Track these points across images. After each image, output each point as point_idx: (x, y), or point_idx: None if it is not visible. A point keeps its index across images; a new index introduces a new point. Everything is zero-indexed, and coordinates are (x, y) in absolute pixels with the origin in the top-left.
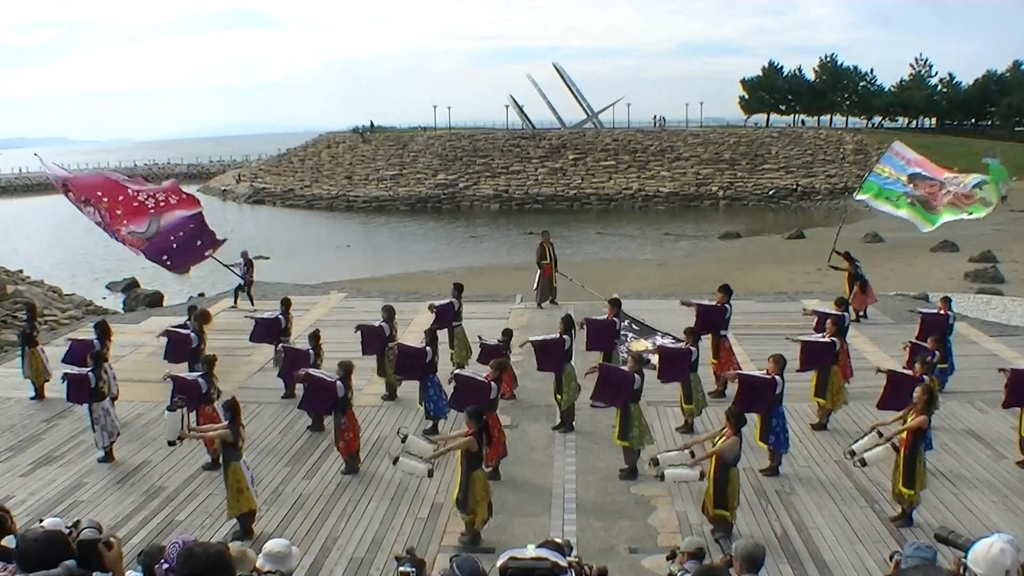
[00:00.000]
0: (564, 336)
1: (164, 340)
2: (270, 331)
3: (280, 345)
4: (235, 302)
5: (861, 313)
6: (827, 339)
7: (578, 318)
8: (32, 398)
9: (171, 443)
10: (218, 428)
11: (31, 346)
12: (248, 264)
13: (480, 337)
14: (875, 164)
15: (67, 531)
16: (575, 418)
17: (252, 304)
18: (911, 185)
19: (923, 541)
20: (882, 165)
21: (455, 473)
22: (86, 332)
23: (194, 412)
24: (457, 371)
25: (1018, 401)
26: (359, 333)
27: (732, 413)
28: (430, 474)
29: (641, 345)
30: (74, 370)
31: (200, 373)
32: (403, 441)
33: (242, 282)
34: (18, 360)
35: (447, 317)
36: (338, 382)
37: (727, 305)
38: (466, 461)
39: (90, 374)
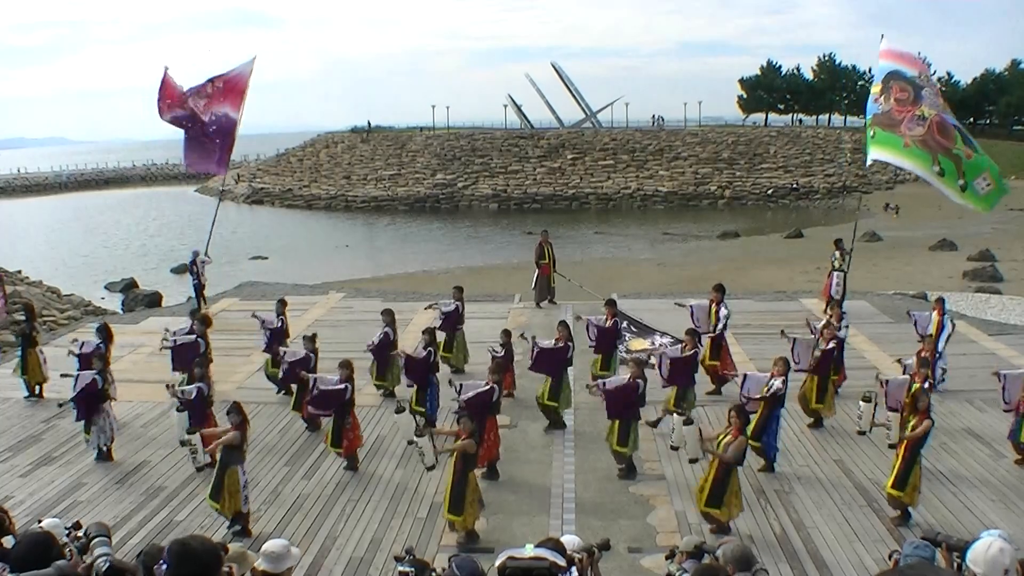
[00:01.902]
0: (568, 343)
1: (169, 351)
2: (278, 337)
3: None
4: (203, 304)
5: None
6: (819, 337)
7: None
8: (26, 397)
9: (183, 443)
10: (227, 430)
11: (30, 346)
12: (193, 264)
13: (492, 350)
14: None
15: (66, 531)
16: (574, 419)
17: (203, 305)
18: (882, 97)
19: (922, 540)
20: (873, 88)
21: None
22: (85, 332)
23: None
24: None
25: None
26: (371, 353)
27: (737, 410)
28: (430, 468)
29: (639, 344)
30: (84, 377)
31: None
32: (397, 412)
33: (195, 282)
34: (16, 361)
35: (451, 322)
36: (347, 385)
37: (722, 304)
38: (462, 463)
39: (96, 376)
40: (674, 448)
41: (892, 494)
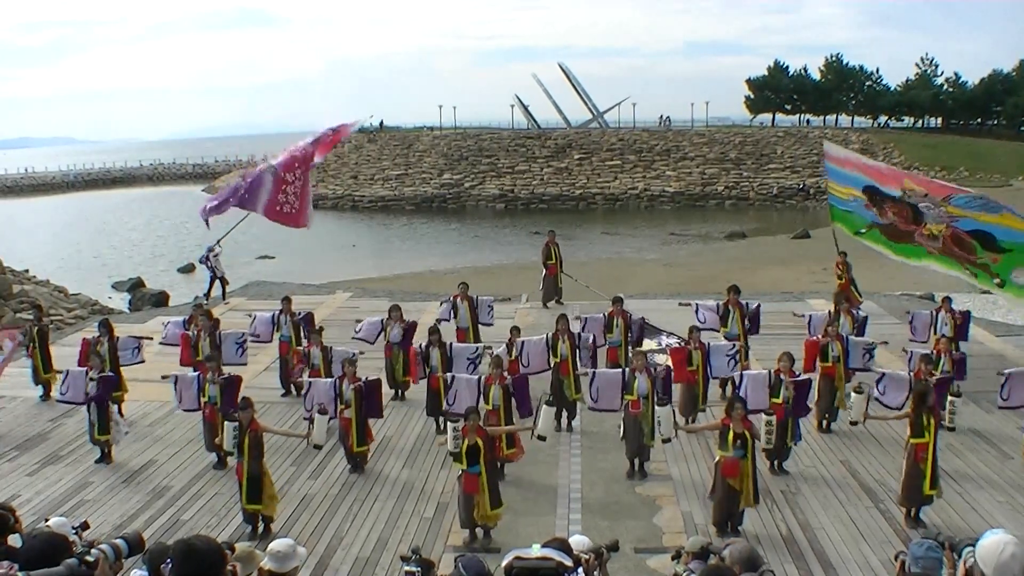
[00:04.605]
0: (556, 335)
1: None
2: (267, 328)
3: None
4: (223, 296)
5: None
6: (822, 339)
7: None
8: (41, 398)
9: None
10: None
11: (46, 344)
12: (207, 257)
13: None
14: (827, 187)
15: (73, 531)
16: (580, 419)
17: (223, 298)
18: (874, 209)
19: (932, 541)
20: (832, 183)
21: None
22: (90, 332)
23: (198, 411)
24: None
25: None
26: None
27: (739, 400)
28: (317, 447)
29: (646, 344)
30: (75, 369)
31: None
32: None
33: (213, 275)
34: (25, 359)
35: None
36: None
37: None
38: (488, 466)
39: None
40: (665, 441)
41: (931, 494)
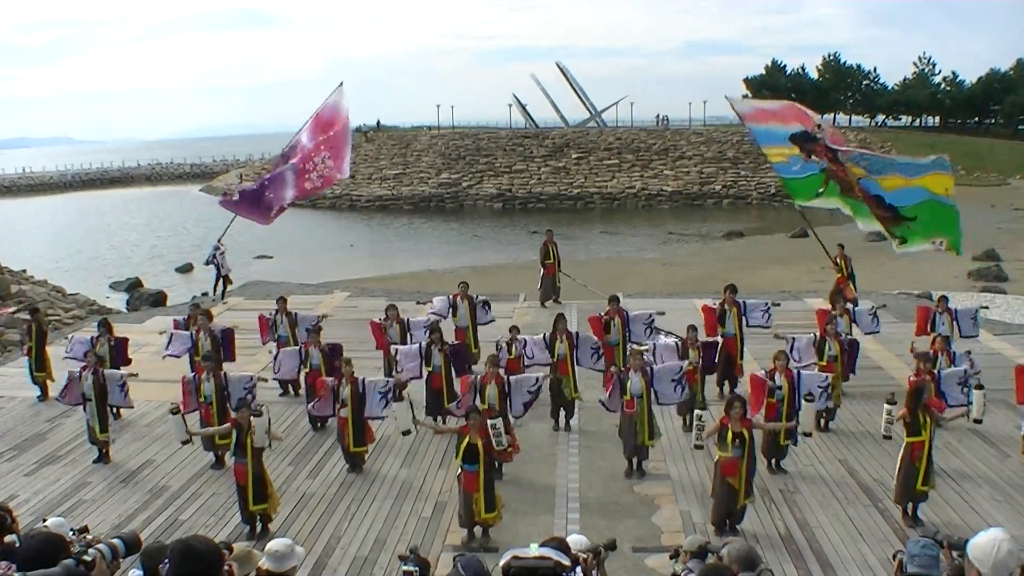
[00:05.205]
0: (556, 333)
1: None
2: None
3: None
4: (222, 295)
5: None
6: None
7: (581, 317)
8: (38, 398)
9: (184, 443)
10: (222, 428)
11: (44, 343)
12: (214, 256)
13: (498, 345)
14: (762, 154)
15: (72, 532)
16: (578, 418)
17: (222, 297)
18: (813, 157)
19: (929, 539)
20: (765, 148)
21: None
22: (88, 332)
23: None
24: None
25: None
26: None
27: (739, 400)
28: (405, 433)
29: (644, 345)
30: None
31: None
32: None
33: (218, 273)
34: (22, 359)
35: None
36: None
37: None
38: (486, 467)
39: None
40: (699, 447)
41: (925, 490)
